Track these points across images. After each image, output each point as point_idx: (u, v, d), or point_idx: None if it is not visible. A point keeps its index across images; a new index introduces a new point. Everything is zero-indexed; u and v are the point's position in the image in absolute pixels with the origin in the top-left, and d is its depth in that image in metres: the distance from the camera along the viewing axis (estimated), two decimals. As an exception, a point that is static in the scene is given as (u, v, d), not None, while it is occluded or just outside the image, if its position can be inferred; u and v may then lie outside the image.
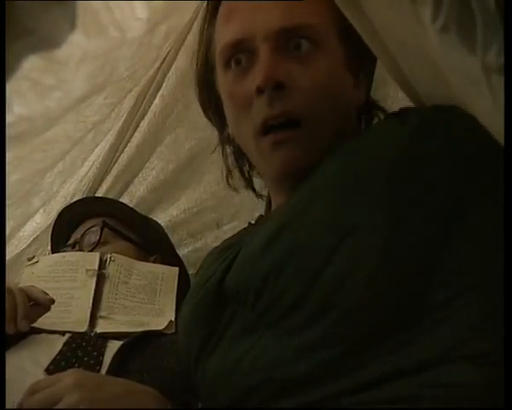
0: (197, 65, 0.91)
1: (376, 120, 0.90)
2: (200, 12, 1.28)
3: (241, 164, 0.95)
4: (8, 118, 0.94)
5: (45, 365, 1.07)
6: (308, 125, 0.79)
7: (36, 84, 0.99)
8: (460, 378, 0.63)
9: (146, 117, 1.53)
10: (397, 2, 0.62)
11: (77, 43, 0.94)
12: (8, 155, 1.14)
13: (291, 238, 0.72)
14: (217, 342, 0.79)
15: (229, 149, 0.95)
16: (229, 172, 0.97)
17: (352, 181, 0.72)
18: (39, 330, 1.17)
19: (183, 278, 1.38)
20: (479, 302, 0.65)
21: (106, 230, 1.42)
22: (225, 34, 0.83)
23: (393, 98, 1.21)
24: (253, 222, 0.95)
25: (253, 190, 0.99)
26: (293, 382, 0.69)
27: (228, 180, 0.97)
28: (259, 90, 0.78)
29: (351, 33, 0.80)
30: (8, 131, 0.98)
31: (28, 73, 0.93)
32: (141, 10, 1.04)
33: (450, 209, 0.68)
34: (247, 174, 0.96)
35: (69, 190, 1.57)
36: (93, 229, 1.42)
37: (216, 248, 0.96)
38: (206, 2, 0.92)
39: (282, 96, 0.78)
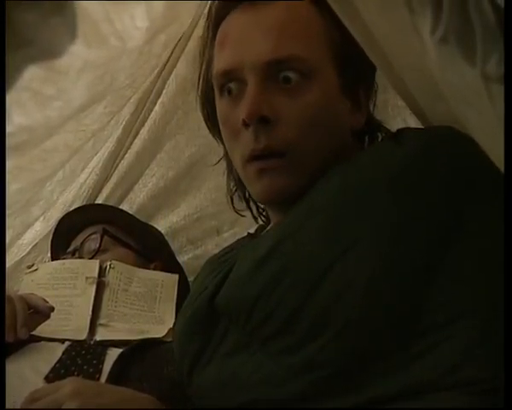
0: (199, 85, 0.91)
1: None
2: (199, 19, 1.29)
3: (242, 187, 0.95)
4: (9, 128, 0.95)
5: (45, 373, 1.07)
6: (294, 156, 0.79)
7: (36, 94, 0.99)
8: (457, 405, 0.63)
9: (146, 124, 1.53)
10: (395, 13, 0.62)
11: (77, 53, 0.94)
12: (8, 165, 1.14)
13: (286, 254, 0.72)
14: (211, 356, 0.79)
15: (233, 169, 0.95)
16: (231, 196, 0.97)
17: (352, 197, 0.72)
18: (39, 338, 1.16)
19: (183, 285, 1.38)
20: (479, 325, 0.65)
21: (106, 237, 1.42)
22: (219, 61, 0.84)
23: (393, 105, 1.21)
24: (252, 232, 0.95)
25: (251, 211, 0.98)
26: (286, 401, 0.69)
27: (232, 203, 0.97)
28: (245, 124, 0.79)
29: (347, 58, 0.80)
30: (8, 141, 0.98)
31: (28, 83, 0.94)
32: (141, 19, 1.04)
33: (451, 223, 0.68)
34: (247, 195, 0.96)
35: (68, 198, 1.56)
36: (93, 236, 1.42)
37: (214, 256, 0.96)
38: (205, 7, 0.92)
39: (267, 129, 0.78)
